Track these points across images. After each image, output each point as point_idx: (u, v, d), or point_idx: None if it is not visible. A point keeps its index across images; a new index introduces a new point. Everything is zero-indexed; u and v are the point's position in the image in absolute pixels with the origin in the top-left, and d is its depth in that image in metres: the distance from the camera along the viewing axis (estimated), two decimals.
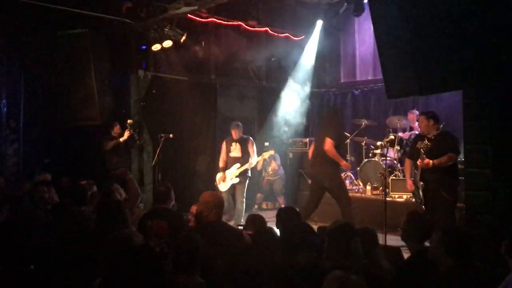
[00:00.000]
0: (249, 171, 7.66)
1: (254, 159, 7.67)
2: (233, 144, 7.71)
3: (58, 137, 7.92)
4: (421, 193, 5.65)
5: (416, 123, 8.53)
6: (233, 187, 7.61)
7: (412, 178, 5.86)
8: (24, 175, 7.30)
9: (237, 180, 7.52)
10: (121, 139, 7.52)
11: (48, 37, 7.34)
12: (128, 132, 7.50)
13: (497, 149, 3.90)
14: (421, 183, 5.62)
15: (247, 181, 7.67)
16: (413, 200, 6.33)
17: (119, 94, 8.02)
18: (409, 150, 6.28)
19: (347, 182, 8.84)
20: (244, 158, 7.61)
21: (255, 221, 4.18)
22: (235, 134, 7.70)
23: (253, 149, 7.68)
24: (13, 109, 7.66)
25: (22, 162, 7.65)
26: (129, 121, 7.56)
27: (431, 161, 5.43)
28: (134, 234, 2.85)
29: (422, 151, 5.45)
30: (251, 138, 7.84)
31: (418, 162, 5.54)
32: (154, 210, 4.68)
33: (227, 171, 7.61)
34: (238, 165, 7.53)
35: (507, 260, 2.94)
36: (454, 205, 5.52)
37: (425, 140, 5.58)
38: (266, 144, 9.12)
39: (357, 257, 2.95)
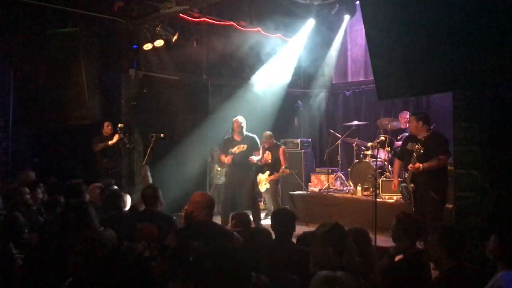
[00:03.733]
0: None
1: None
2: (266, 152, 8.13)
3: (47, 136, 7.88)
4: (411, 194, 5.68)
5: (407, 124, 8.58)
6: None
7: (400, 179, 5.91)
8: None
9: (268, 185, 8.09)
10: (110, 143, 7.48)
11: (38, 36, 7.30)
12: (118, 136, 7.47)
13: (486, 150, 3.94)
14: (412, 185, 5.65)
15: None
16: (403, 201, 6.36)
17: (110, 93, 7.99)
18: (399, 151, 6.30)
19: (338, 182, 8.89)
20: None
21: (242, 220, 4.20)
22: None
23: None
24: (2, 107, 7.62)
25: (11, 161, 7.59)
26: (119, 125, 7.54)
27: (421, 165, 5.44)
28: (103, 234, 2.83)
29: (415, 155, 5.43)
30: (282, 146, 8.22)
31: (409, 166, 5.55)
32: (143, 212, 4.65)
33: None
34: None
35: (494, 260, 2.97)
36: (442, 206, 5.56)
37: (417, 143, 5.57)
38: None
39: (353, 255, 2.96)
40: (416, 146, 5.46)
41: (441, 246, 2.88)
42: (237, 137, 7.37)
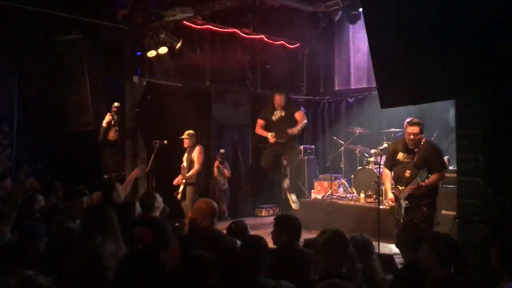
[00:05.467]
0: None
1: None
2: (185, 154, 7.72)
3: (51, 143, 7.89)
4: (403, 210, 5.37)
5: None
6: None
7: (393, 191, 5.48)
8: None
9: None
10: (103, 123, 7.25)
11: (42, 43, 7.34)
12: (110, 116, 7.22)
13: (489, 158, 3.92)
14: (406, 202, 5.33)
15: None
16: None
17: (113, 100, 8.01)
18: (389, 161, 5.70)
19: (341, 189, 8.88)
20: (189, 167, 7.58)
21: (239, 227, 4.20)
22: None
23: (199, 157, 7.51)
24: (6, 114, 7.64)
25: (15, 167, 7.61)
26: (115, 104, 7.31)
27: (423, 184, 5.20)
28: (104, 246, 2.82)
29: (419, 179, 5.14)
30: (198, 146, 7.67)
31: (410, 187, 5.23)
32: (140, 217, 4.67)
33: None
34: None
35: (498, 269, 2.96)
36: (432, 218, 5.39)
37: (411, 155, 5.34)
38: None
39: (353, 262, 2.95)
40: (422, 173, 5.15)
41: (432, 254, 2.86)
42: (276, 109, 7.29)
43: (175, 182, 7.59)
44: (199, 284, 2.49)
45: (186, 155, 7.66)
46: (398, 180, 5.43)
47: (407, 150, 5.42)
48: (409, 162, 5.37)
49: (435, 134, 8.24)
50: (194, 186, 7.49)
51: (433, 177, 5.23)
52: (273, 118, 7.35)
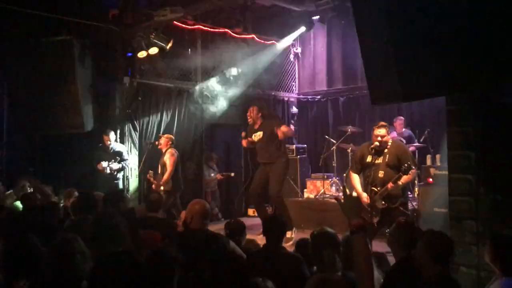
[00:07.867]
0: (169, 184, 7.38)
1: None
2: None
3: (42, 145, 7.84)
4: (378, 211, 5.37)
5: (403, 129, 8.59)
6: None
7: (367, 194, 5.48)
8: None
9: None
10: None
11: (32, 44, 7.29)
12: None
13: (480, 155, 3.94)
14: (383, 202, 5.36)
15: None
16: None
17: (104, 101, 7.97)
18: (357, 165, 5.77)
19: (333, 188, 8.88)
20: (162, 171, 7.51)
21: (236, 228, 4.20)
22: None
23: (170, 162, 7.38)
24: None
25: (5, 170, 7.55)
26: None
27: (400, 183, 5.25)
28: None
29: (402, 172, 5.19)
30: (170, 149, 7.57)
31: (389, 185, 5.25)
32: (146, 219, 4.65)
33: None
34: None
35: (491, 266, 2.97)
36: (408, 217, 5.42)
37: (380, 156, 5.41)
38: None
39: (332, 268, 2.93)
40: (406, 165, 5.19)
41: (427, 251, 2.86)
42: (256, 126, 6.95)
43: (153, 187, 7.46)
44: (161, 281, 2.47)
45: (160, 159, 7.58)
46: (371, 182, 5.42)
47: (375, 152, 5.52)
48: (381, 163, 5.43)
49: (426, 132, 8.28)
50: (168, 193, 7.32)
51: (408, 176, 5.30)
52: (254, 138, 6.93)
